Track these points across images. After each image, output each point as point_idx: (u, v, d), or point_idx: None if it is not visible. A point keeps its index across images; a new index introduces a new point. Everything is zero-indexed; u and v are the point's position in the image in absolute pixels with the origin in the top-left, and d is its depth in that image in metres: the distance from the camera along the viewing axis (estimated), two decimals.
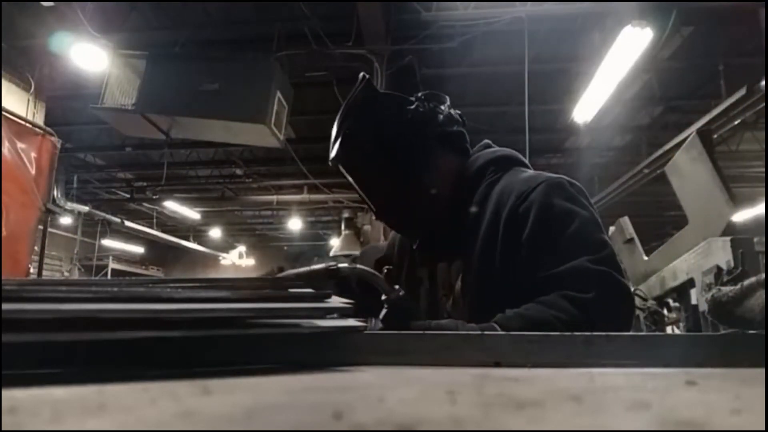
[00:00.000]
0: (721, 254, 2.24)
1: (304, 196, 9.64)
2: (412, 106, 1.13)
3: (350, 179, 1.18)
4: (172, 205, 10.40)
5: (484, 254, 1.03)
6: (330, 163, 1.19)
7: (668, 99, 6.78)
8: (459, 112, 1.21)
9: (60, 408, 0.30)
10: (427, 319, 1.02)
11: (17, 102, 5.08)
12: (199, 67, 4.94)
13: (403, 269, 1.25)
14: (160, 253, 15.89)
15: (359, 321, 0.58)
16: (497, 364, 0.54)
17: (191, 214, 11.20)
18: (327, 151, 1.20)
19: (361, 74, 1.17)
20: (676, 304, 2.94)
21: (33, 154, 3.91)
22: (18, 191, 3.75)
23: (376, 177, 1.14)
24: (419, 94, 1.16)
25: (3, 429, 0.24)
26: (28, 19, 4.87)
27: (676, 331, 3.13)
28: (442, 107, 1.15)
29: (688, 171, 2.60)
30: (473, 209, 1.08)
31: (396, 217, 1.19)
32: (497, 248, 1.02)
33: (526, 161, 1.20)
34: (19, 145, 3.81)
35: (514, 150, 1.22)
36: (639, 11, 4.03)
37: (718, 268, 2.23)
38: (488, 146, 1.22)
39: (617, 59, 4.38)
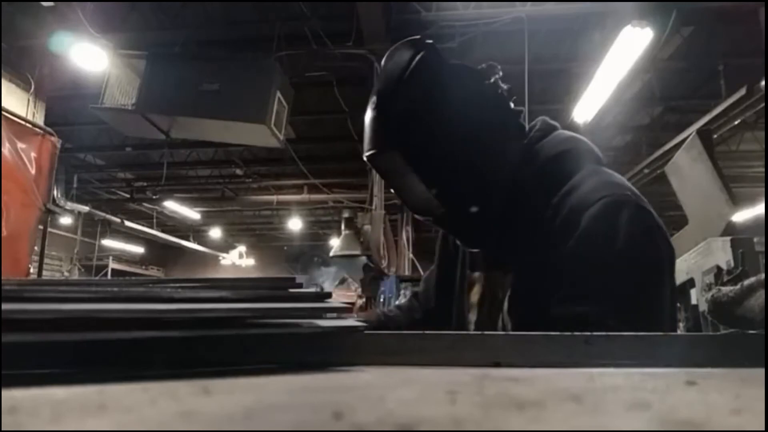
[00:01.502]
0: (721, 254, 2.24)
1: (304, 196, 9.65)
2: (491, 80, 0.97)
3: (401, 171, 0.95)
4: (172, 205, 10.41)
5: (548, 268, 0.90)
6: (368, 157, 0.96)
7: (668, 99, 6.78)
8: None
9: (60, 408, 0.30)
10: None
11: (17, 102, 5.07)
12: (199, 67, 4.94)
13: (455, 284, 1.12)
14: (160, 253, 15.90)
15: (359, 321, 0.58)
16: (497, 364, 0.54)
17: (191, 214, 11.21)
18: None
19: (414, 39, 0.98)
20: (677, 304, 2.94)
21: (33, 154, 3.91)
22: (18, 191, 3.75)
23: (444, 164, 0.93)
24: (483, 66, 1.00)
25: (3, 429, 0.24)
26: (28, 19, 4.87)
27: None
28: (502, 84, 1.00)
29: (688, 171, 2.61)
30: (549, 212, 0.92)
31: (458, 210, 0.98)
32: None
33: (595, 147, 1.04)
34: (19, 145, 3.81)
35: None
36: (639, 11, 4.03)
37: (718, 268, 2.23)
38: (548, 128, 1.05)
39: (617, 59, 4.38)
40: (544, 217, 0.92)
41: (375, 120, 0.94)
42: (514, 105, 1.02)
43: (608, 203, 0.88)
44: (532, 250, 0.94)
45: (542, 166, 0.98)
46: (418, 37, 0.99)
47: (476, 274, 1.08)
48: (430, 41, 0.98)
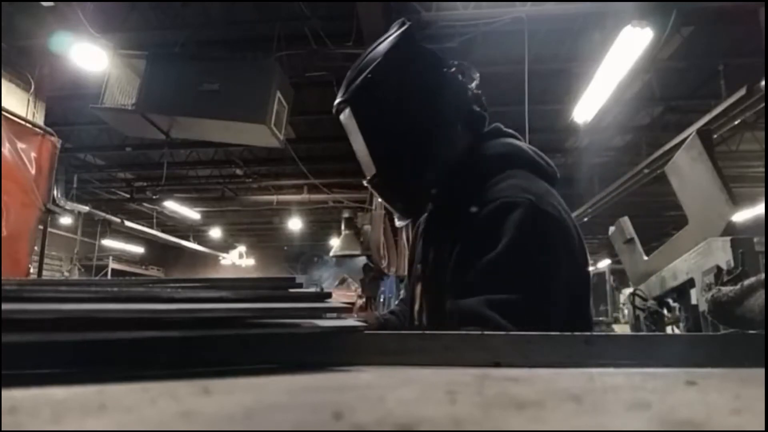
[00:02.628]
0: (721, 254, 2.24)
1: (304, 196, 9.65)
2: (452, 69, 1.07)
3: (353, 128, 1.06)
4: (172, 205, 10.41)
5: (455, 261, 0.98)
6: (335, 108, 1.08)
7: (668, 99, 6.78)
8: (479, 91, 1.14)
9: (60, 408, 0.30)
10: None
11: (17, 102, 5.07)
12: (199, 67, 4.94)
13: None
14: (160, 253, 15.90)
15: (359, 321, 0.58)
16: (497, 364, 0.54)
17: (191, 214, 11.21)
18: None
19: (402, 20, 1.09)
20: (676, 304, 2.94)
21: (33, 154, 3.91)
22: (18, 191, 3.75)
23: (388, 131, 1.04)
24: (455, 62, 1.09)
25: (3, 429, 0.24)
26: (28, 19, 4.87)
27: (676, 331, 3.13)
28: (472, 84, 1.10)
29: (688, 171, 2.60)
30: (473, 209, 0.98)
31: (393, 180, 1.09)
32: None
33: (537, 157, 1.10)
34: (19, 145, 3.81)
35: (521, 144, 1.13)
36: (639, 11, 4.03)
37: (718, 268, 2.23)
38: (500, 133, 1.13)
39: (617, 59, 4.38)
40: (461, 208, 1.00)
41: (345, 77, 1.07)
42: (480, 108, 1.10)
43: (503, 203, 0.94)
44: (445, 238, 1.02)
45: (477, 162, 1.06)
46: (403, 19, 1.10)
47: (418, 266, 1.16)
48: (409, 23, 1.07)
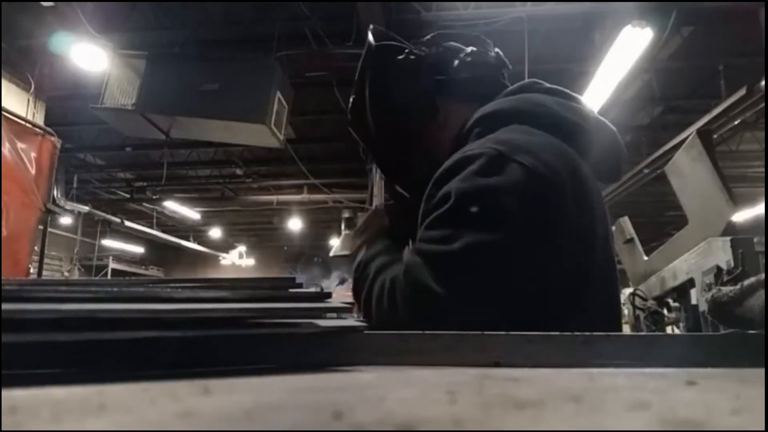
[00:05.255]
0: (721, 254, 2.24)
1: (304, 196, 9.65)
2: (402, 56, 1.00)
3: (361, 143, 1.11)
4: (172, 205, 10.41)
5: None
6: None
7: (668, 99, 6.78)
8: (497, 51, 1.03)
9: (60, 408, 0.30)
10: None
11: (17, 102, 5.08)
12: (199, 67, 4.94)
13: None
14: (160, 253, 15.90)
15: (359, 321, 0.59)
16: (497, 364, 0.54)
17: (191, 214, 11.21)
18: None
19: (370, 27, 1.07)
20: (676, 304, 2.94)
21: (33, 154, 3.92)
22: (18, 191, 3.75)
23: (375, 137, 1.05)
24: (428, 37, 1.04)
25: (3, 429, 0.24)
26: (28, 19, 4.87)
27: (676, 331, 3.13)
28: (464, 51, 1.00)
29: (688, 171, 2.60)
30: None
31: (406, 182, 1.07)
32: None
33: (562, 110, 0.90)
34: (19, 145, 3.82)
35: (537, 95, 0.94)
36: (639, 11, 4.03)
37: (718, 268, 2.23)
38: (520, 89, 0.96)
39: (617, 59, 4.38)
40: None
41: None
42: (476, 72, 0.98)
43: (461, 158, 0.80)
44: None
45: (468, 129, 0.94)
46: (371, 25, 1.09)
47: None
48: (371, 26, 1.07)
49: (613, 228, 3.73)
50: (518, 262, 0.74)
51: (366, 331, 0.58)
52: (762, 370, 0.44)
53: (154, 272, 15.78)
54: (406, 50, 1.01)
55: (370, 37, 1.04)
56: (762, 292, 0.59)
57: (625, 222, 3.45)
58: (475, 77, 0.98)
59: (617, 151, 0.97)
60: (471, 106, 0.95)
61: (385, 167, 1.11)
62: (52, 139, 4.11)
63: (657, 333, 2.27)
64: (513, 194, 0.74)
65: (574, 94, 0.96)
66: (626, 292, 3.57)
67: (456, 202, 0.75)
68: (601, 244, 0.86)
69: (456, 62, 0.99)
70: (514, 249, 0.74)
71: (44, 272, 4.97)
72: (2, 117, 3.68)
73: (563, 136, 0.86)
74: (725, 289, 0.63)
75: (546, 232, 0.76)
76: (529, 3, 4.59)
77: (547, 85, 0.97)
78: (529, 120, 0.86)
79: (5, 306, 0.38)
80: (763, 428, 0.25)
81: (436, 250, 0.76)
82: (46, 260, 5.01)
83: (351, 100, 1.06)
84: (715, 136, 5.69)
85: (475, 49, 1.01)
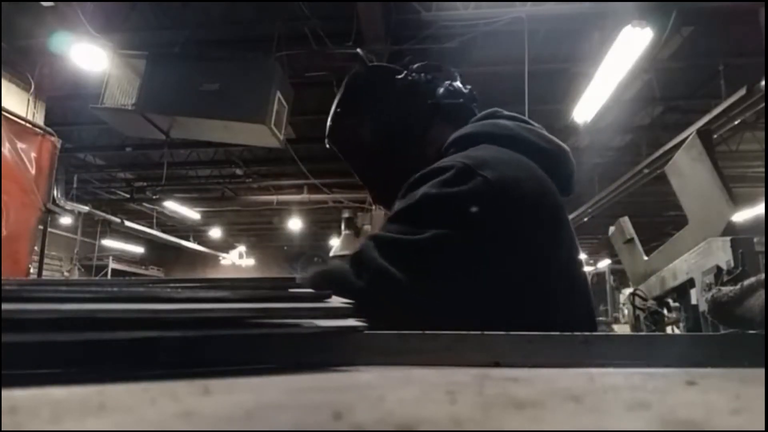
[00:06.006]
0: (721, 254, 2.25)
1: (304, 196, 9.65)
2: (400, 75, 1.10)
3: (342, 157, 1.16)
4: (172, 205, 10.41)
5: None
6: (326, 144, 1.17)
7: (668, 99, 6.78)
8: (469, 87, 1.15)
9: (60, 408, 0.30)
10: None
11: (17, 102, 5.08)
12: (199, 67, 4.94)
13: None
14: (160, 253, 15.91)
15: (359, 321, 0.58)
16: (497, 364, 0.54)
17: (191, 214, 11.21)
18: (327, 152, 1.21)
19: (357, 50, 1.18)
20: (676, 304, 2.94)
21: (33, 154, 3.91)
22: (18, 191, 3.75)
23: (362, 151, 1.11)
24: (414, 66, 1.12)
25: (3, 429, 0.24)
26: (28, 19, 4.87)
27: (676, 331, 3.13)
28: (446, 81, 1.11)
29: (688, 171, 2.61)
30: None
31: (383, 196, 1.12)
32: None
33: (526, 133, 0.99)
34: (19, 145, 3.81)
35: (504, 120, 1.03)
36: (639, 11, 4.03)
37: (718, 268, 2.23)
38: (490, 116, 1.07)
39: (617, 59, 4.38)
40: None
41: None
42: (458, 99, 1.09)
43: (429, 170, 0.86)
44: None
45: (444, 150, 1.01)
46: (358, 49, 1.19)
47: None
48: (360, 51, 1.16)
49: (613, 228, 3.75)
50: (474, 262, 0.79)
51: (366, 331, 0.58)
52: (762, 370, 0.44)
53: (154, 272, 15.79)
54: (404, 72, 1.11)
55: (363, 56, 1.14)
56: (762, 292, 0.59)
57: (625, 222, 3.45)
58: (457, 105, 1.10)
59: (569, 167, 1.06)
60: (451, 128, 1.05)
61: (368, 182, 1.16)
62: (52, 139, 4.11)
63: (657, 333, 2.27)
64: (474, 203, 0.80)
65: (529, 119, 1.07)
66: (626, 292, 3.57)
67: (420, 202, 0.81)
68: (566, 253, 0.92)
69: (442, 90, 1.10)
70: (471, 248, 0.79)
71: (44, 272, 4.97)
72: (2, 117, 3.68)
73: (526, 154, 0.95)
74: (725, 289, 0.63)
75: (504, 238, 0.81)
76: (529, 3, 4.59)
77: (507, 112, 1.08)
78: (497, 140, 0.96)
79: (5, 306, 0.38)
80: (763, 428, 0.25)
81: (395, 237, 0.80)
82: (46, 260, 5.01)
83: (333, 115, 1.12)
84: (715, 136, 5.69)
85: (455, 81, 1.13)
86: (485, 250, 0.80)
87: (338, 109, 1.11)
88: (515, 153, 0.92)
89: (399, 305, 0.76)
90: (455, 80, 1.14)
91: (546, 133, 1.05)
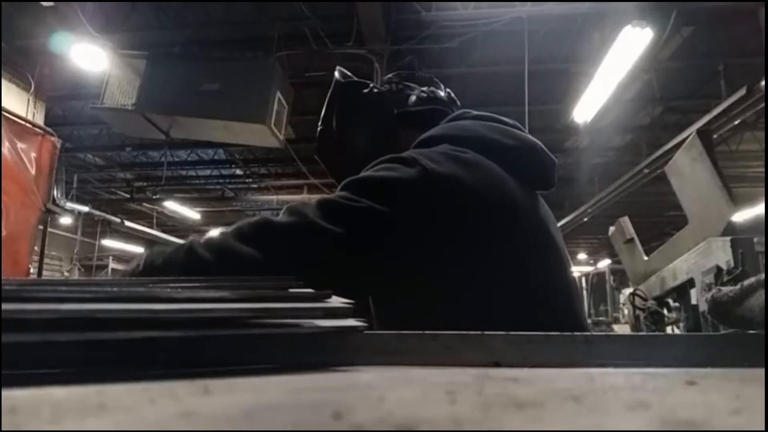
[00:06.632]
0: (721, 254, 2.25)
1: (304, 196, 9.65)
2: (366, 90, 1.17)
3: (326, 169, 1.24)
4: (172, 205, 10.41)
5: None
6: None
7: (668, 99, 6.79)
8: (448, 91, 1.20)
9: (60, 408, 0.30)
10: None
11: (17, 102, 5.08)
12: (199, 67, 4.94)
13: None
14: None
15: (359, 321, 0.58)
16: (497, 364, 0.54)
17: (191, 214, 11.21)
18: None
19: (337, 69, 1.24)
20: (676, 304, 2.94)
21: (33, 154, 3.91)
22: (18, 191, 3.75)
23: (338, 162, 1.20)
24: (389, 76, 1.20)
25: (3, 429, 0.24)
26: (28, 19, 4.87)
27: (676, 331, 3.13)
28: (420, 89, 1.16)
29: (688, 171, 2.61)
30: None
31: None
32: None
33: (487, 132, 1.01)
34: (19, 145, 3.81)
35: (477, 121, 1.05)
36: (639, 11, 4.03)
37: (718, 268, 2.23)
38: (457, 117, 1.09)
39: (617, 59, 4.38)
40: None
41: None
42: (431, 105, 1.14)
43: (376, 162, 0.93)
44: None
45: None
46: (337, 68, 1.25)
47: None
48: (337, 72, 1.23)
49: (613, 228, 3.75)
50: (398, 242, 0.84)
51: (366, 331, 0.58)
52: (762, 370, 0.44)
53: None
54: (371, 85, 1.18)
55: (337, 75, 1.22)
56: (762, 292, 0.59)
57: (625, 222, 3.45)
58: (428, 111, 1.14)
59: (544, 161, 1.06)
60: (416, 132, 1.08)
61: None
62: (52, 139, 4.10)
63: (657, 333, 2.27)
64: (408, 185, 0.86)
65: (500, 117, 1.09)
66: (626, 292, 3.57)
67: (363, 179, 0.88)
68: (524, 252, 0.92)
69: (413, 98, 1.15)
70: (397, 228, 0.84)
71: (44, 272, 4.97)
72: (2, 117, 3.68)
73: (487, 153, 0.97)
74: (725, 289, 0.63)
75: (429, 226, 0.86)
76: (529, 3, 4.59)
77: (475, 112, 1.10)
78: (456, 141, 0.98)
79: (5, 306, 0.38)
80: (763, 428, 0.25)
81: (332, 198, 0.86)
82: (46, 260, 5.01)
83: (318, 131, 1.21)
84: (715, 136, 5.69)
85: (430, 88, 1.18)
86: (409, 233, 0.84)
87: (319, 125, 1.21)
88: (473, 153, 0.95)
89: (318, 252, 0.81)
90: (431, 85, 1.19)
91: (517, 131, 1.06)
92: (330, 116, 1.20)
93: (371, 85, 1.19)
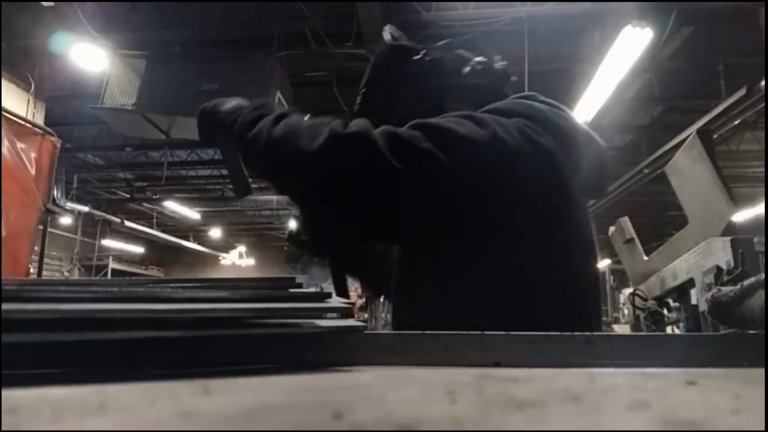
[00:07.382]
0: (721, 254, 2.24)
1: None
2: (418, 56, 1.09)
3: None
4: (172, 205, 10.41)
5: None
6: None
7: (668, 99, 6.78)
8: (503, 64, 1.15)
9: (60, 408, 0.30)
10: None
11: (17, 102, 5.07)
12: (199, 67, 4.94)
13: None
14: (160, 253, 15.90)
15: (359, 321, 0.59)
16: (497, 364, 0.54)
17: (191, 214, 11.21)
18: None
19: (387, 27, 1.15)
20: (676, 304, 2.94)
21: (33, 154, 3.91)
22: (18, 191, 3.74)
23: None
24: (439, 43, 1.13)
25: (3, 429, 0.24)
26: (28, 19, 4.87)
27: (676, 331, 3.13)
28: (474, 59, 1.10)
29: (688, 171, 2.60)
30: None
31: None
32: None
33: (530, 110, 0.99)
34: (19, 145, 3.81)
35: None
36: (639, 11, 4.03)
37: (718, 268, 2.22)
38: (521, 99, 1.07)
39: (617, 59, 4.38)
40: None
41: None
42: (477, 80, 1.08)
43: (486, 108, 0.95)
44: None
45: None
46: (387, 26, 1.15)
47: None
48: (388, 28, 1.14)
49: (613, 228, 3.74)
50: (445, 186, 0.85)
51: (366, 331, 0.58)
52: (762, 370, 0.44)
53: (154, 272, 15.78)
54: (422, 52, 1.09)
55: (387, 35, 1.13)
56: (762, 292, 0.59)
57: (625, 222, 3.45)
58: (481, 84, 1.08)
59: (603, 166, 1.05)
60: (474, 110, 1.01)
61: None
62: (52, 139, 4.10)
63: (657, 333, 2.27)
64: (472, 143, 0.86)
65: (566, 108, 1.06)
66: (626, 292, 3.57)
67: (430, 123, 0.87)
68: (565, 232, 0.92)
69: (466, 69, 1.08)
70: (452, 174, 0.84)
71: (44, 272, 4.97)
72: (2, 117, 3.68)
73: (555, 137, 0.94)
74: (725, 289, 0.63)
75: (476, 188, 0.86)
76: (529, 3, 4.59)
77: (543, 98, 1.07)
78: (528, 120, 0.94)
79: (5, 306, 0.38)
80: (763, 428, 0.25)
81: (397, 132, 0.85)
82: (46, 260, 5.01)
83: (360, 93, 1.12)
84: (715, 136, 5.69)
85: (484, 58, 1.11)
86: (457, 188, 0.86)
87: (361, 88, 1.12)
88: (549, 137, 0.94)
89: (371, 177, 0.83)
90: (487, 56, 1.12)
91: (582, 124, 1.05)
92: (374, 80, 1.12)
93: (422, 51, 1.10)
